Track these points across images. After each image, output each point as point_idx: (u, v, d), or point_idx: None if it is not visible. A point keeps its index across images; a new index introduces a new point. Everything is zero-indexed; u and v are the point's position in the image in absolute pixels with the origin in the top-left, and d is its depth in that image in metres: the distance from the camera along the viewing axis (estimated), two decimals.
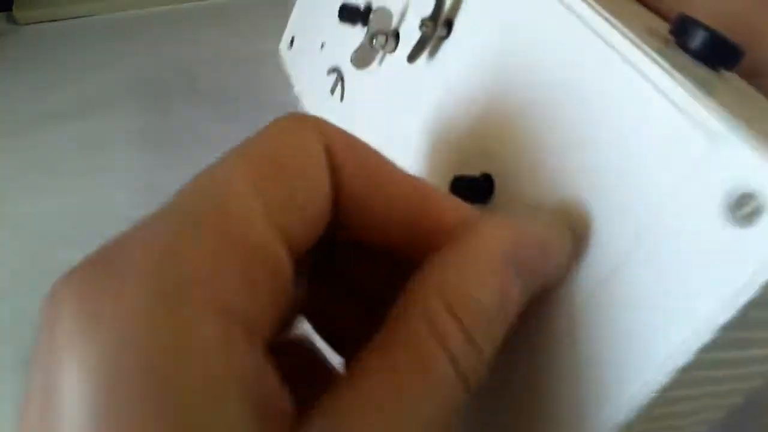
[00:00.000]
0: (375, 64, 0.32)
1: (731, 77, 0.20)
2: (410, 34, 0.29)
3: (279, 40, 0.52)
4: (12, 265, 0.43)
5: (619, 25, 0.18)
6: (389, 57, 0.31)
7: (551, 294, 0.18)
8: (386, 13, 0.30)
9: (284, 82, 0.49)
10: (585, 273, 0.18)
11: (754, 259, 0.14)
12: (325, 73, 0.39)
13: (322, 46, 0.41)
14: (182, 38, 0.65)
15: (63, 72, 0.60)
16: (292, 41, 0.48)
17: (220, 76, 0.59)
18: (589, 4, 0.19)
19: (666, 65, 0.17)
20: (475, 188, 0.22)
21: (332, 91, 0.38)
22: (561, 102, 0.19)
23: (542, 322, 0.19)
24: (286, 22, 0.51)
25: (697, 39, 0.18)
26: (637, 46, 0.17)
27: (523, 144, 0.21)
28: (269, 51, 0.54)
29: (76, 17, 0.68)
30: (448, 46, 0.27)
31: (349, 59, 0.31)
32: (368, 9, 0.33)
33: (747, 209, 0.15)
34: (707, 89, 0.16)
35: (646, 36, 0.18)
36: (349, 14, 0.33)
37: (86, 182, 0.49)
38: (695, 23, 0.18)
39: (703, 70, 0.18)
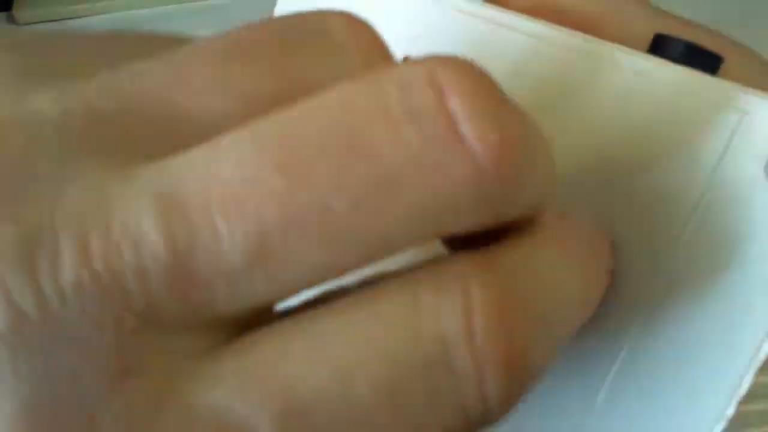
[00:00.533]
0: None
1: None
2: None
3: None
4: None
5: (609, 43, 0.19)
6: None
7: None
8: None
9: None
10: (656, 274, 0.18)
11: None
12: None
13: None
14: (182, 38, 0.65)
15: None
16: None
17: None
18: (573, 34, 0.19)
19: (672, 63, 0.18)
20: None
21: None
22: (573, 131, 0.20)
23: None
24: None
25: (678, 49, 0.18)
26: (642, 56, 0.18)
27: None
28: None
29: (76, 17, 0.68)
30: None
31: None
32: None
33: None
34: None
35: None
36: None
37: None
38: (671, 36, 0.19)
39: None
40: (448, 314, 0.11)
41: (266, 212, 0.11)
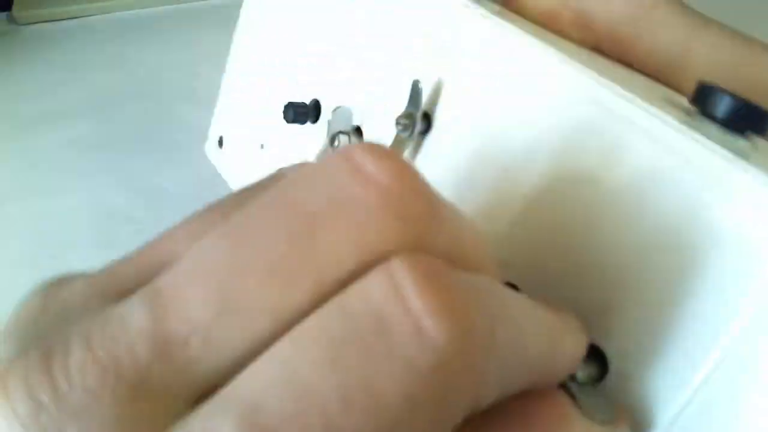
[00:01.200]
0: None
1: (764, 143, 0.19)
2: (374, 130, 0.27)
3: None
4: (12, 266, 0.42)
5: (638, 100, 0.17)
6: None
7: None
8: (345, 112, 0.28)
9: None
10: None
11: None
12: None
13: (262, 146, 0.38)
14: (182, 38, 0.65)
15: (63, 72, 0.60)
16: (220, 141, 0.44)
17: (220, 76, 0.59)
18: (601, 82, 0.18)
19: (696, 135, 0.16)
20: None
21: None
22: (577, 191, 0.19)
23: None
24: None
25: (723, 106, 0.17)
26: (664, 122, 0.17)
27: (535, 245, 0.20)
28: None
29: (76, 17, 0.67)
30: (431, 143, 0.24)
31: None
32: (316, 104, 0.31)
33: None
34: (742, 157, 0.16)
35: (668, 108, 0.17)
36: (296, 115, 0.31)
37: (86, 182, 0.49)
38: (717, 89, 0.17)
39: (733, 138, 0.17)
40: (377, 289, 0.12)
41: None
